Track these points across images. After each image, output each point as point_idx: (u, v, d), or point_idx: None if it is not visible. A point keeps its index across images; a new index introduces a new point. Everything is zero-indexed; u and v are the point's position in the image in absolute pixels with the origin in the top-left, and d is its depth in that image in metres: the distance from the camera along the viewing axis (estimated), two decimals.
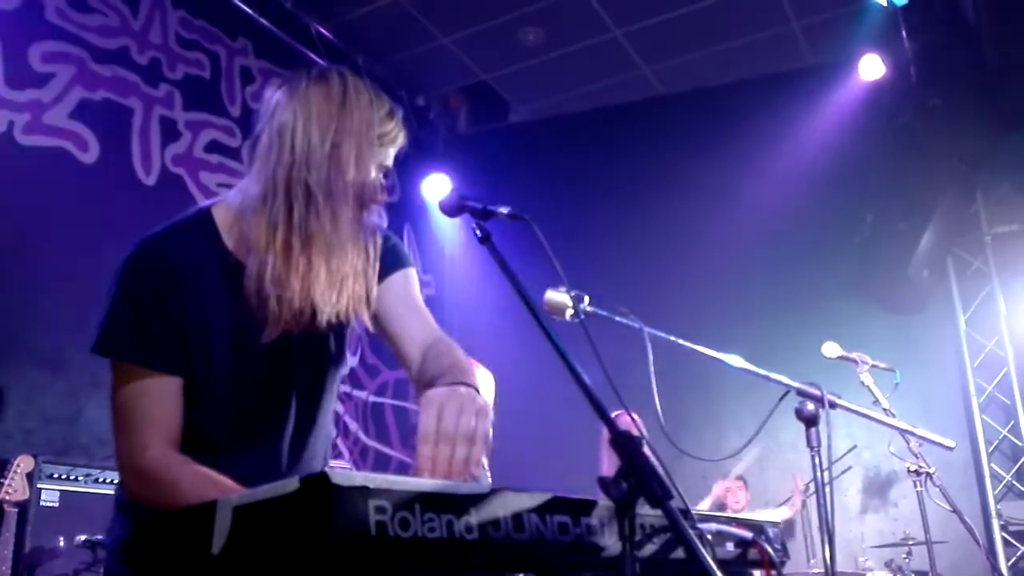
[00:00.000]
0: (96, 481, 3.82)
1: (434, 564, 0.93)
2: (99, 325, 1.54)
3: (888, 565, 5.53)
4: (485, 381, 4.11)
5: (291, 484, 0.88)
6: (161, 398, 1.51)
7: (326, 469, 0.86)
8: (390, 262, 1.78)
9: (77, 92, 4.79)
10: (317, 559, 0.85)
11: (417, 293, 1.80)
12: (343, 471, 0.87)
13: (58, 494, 3.70)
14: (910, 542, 5.39)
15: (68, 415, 4.42)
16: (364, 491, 0.87)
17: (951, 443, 2.22)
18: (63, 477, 3.73)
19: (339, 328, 1.71)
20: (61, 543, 3.54)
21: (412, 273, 1.82)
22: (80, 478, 3.79)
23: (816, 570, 5.52)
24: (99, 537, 3.45)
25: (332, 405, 1.80)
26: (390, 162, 1.71)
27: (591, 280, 2.35)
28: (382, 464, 6.41)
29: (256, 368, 1.61)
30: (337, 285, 1.58)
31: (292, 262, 1.54)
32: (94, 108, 4.86)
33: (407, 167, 7.35)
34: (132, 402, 1.51)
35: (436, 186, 7.35)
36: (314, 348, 1.69)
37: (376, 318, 1.74)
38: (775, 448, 6.31)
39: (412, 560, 0.90)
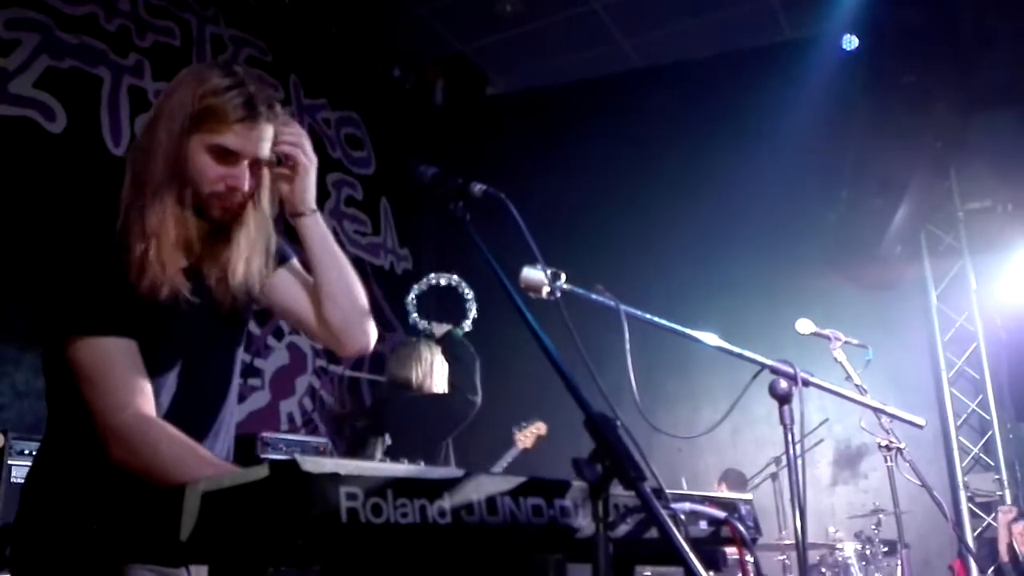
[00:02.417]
0: None
1: (407, 550, 0.92)
2: (46, 309, 1.59)
3: (858, 536, 5.63)
4: (440, 366, 4.12)
5: (261, 471, 0.87)
6: (128, 361, 1.55)
7: (296, 456, 0.85)
8: (277, 257, 1.89)
9: (43, 60, 4.67)
10: (287, 546, 0.84)
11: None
12: (313, 458, 0.86)
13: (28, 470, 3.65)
14: (880, 514, 5.50)
15: (39, 390, 4.34)
16: (335, 478, 0.86)
17: (921, 421, 2.25)
18: (34, 453, 3.68)
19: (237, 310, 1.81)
20: None
21: (296, 263, 1.95)
22: None
23: (787, 541, 5.61)
24: None
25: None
26: (240, 146, 1.65)
27: (566, 254, 2.35)
28: (359, 438, 6.40)
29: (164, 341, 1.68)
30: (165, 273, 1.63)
31: (136, 250, 1.59)
32: (61, 77, 4.74)
33: (382, 140, 7.27)
34: (100, 368, 1.53)
35: (411, 159, 7.27)
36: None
37: (279, 300, 1.90)
38: (748, 422, 6.38)
39: (384, 546, 0.90)
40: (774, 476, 6.04)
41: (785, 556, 5.61)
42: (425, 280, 4.74)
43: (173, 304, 1.63)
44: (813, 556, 5.48)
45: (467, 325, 4.11)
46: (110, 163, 4.91)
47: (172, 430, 1.51)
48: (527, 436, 5.42)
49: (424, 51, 7.38)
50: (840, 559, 5.55)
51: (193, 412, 1.70)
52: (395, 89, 7.49)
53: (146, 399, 1.55)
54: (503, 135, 7.47)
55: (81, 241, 1.60)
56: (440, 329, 4.02)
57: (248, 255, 1.76)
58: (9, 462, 3.59)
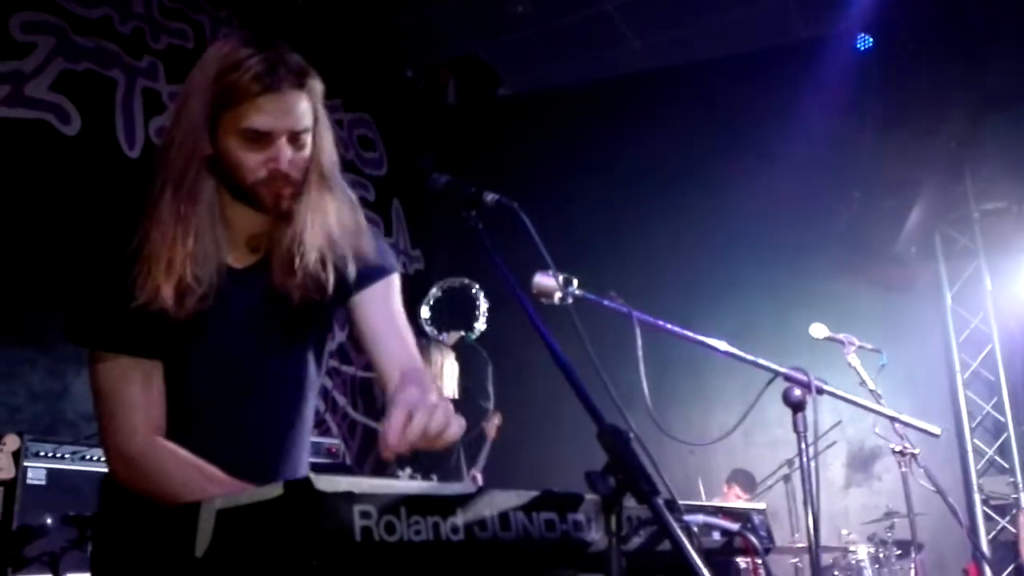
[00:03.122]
0: (83, 458, 3.79)
1: (420, 567, 0.93)
2: (70, 313, 1.53)
3: (871, 539, 5.61)
4: (451, 369, 4.11)
5: (275, 489, 0.87)
6: (143, 384, 1.50)
7: (310, 475, 0.85)
8: (376, 269, 1.70)
9: (58, 63, 4.70)
10: (302, 565, 0.85)
11: (398, 304, 1.75)
12: (328, 476, 0.86)
13: (45, 472, 3.68)
14: (894, 517, 5.48)
15: (54, 391, 4.39)
16: (349, 496, 0.87)
17: (936, 430, 2.23)
18: (50, 455, 3.71)
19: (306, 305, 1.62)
20: (48, 521, 3.53)
21: (395, 280, 1.75)
22: (67, 456, 3.76)
23: (800, 544, 5.58)
24: (87, 514, 3.44)
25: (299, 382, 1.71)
26: (270, 124, 1.46)
27: (575, 254, 2.35)
28: (370, 439, 6.42)
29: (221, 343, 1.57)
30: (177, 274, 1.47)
31: (159, 248, 1.47)
32: (76, 80, 4.77)
33: (395, 140, 7.28)
34: (114, 389, 1.50)
35: (424, 159, 7.30)
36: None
37: (357, 330, 1.71)
38: (761, 424, 6.35)
39: (398, 564, 0.90)
40: (786, 478, 6.02)
41: (798, 559, 5.59)
42: (438, 285, 4.74)
43: (205, 312, 1.50)
44: (826, 559, 5.46)
45: (479, 330, 4.08)
46: (125, 165, 4.94)
47: (180, 453, 1.46)
48: (492, 427, 5.49)
49: (436, 52, 7.39)
50: (853, 562, 5.53)
51: (251, 425, 1.60)
52: (407, 90, 7.49)
53: (154, 424, 1.49)
54: (515, 135, 7.46)
55: (103, 250, 1.52)
56: (453, 336, 4.00)
57: (322, 242, 1.57)
58: (25, 464, 3.62)
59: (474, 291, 4.28)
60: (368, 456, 6.39)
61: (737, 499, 6.18)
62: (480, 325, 4.06)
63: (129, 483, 1.50)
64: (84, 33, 4.86)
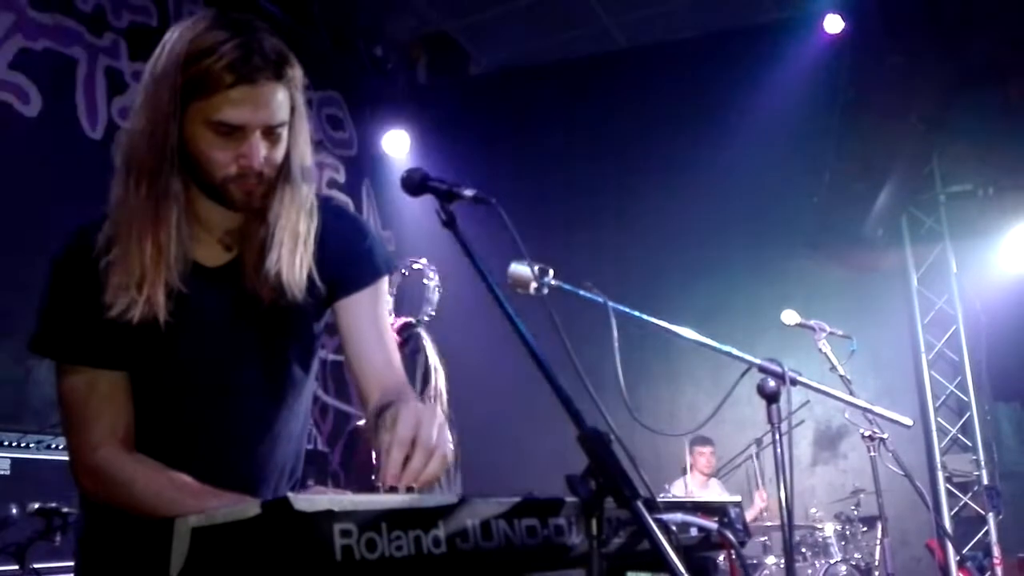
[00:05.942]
0: (48, 447, 3.72)
1: None
2: (35, 322, 1.47)
3: (838, 517, 5.71)
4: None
5: (252, 508, 0.85)
6: (107, 395, 1.45)
7: (289, 494, 0.83)
8: (363, 273, 1.62)
9: (17, 41, 4.55)
10: None
11: (384, 313, 1.65)
12: (307, 496, 0.84)
13: (9, 462, 3.61)
14: (860, 495, 5.58)
15: (17, 379, 4.30)
16: (328, 515, 0.85)
17: (908, 421, 2.26)
18: (14, 444, 3.64)
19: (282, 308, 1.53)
20: (14, 511, 3.47)
21: (383, 286, 1.65)
22: (32, 445, 3.68)
23: (767, 523, 5.67)
24: (53, 505, 3.38)
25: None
26: (244, 117, 1.36)
27: (548, 237, 2.33)
28: (342, 422, 6.39)
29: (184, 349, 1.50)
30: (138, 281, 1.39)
31: (128, 252, 1.39)
32: (35, 58, 4.63)
33: (365, 119, 7.19)
34: (78, 400, 1.45)
35: (395, 139, 7.23)
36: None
37: (340, 335, 1.62)
38: (729, 403, 6.40)
39: None
40: (757, 455, 6.10)
41: (766, 537, 5.68)
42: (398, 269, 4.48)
43: (176, 316, 1.42)
44: (794, 536, 5.56)
45: (427, 316, 3.83)
46: (87, 146, 4.82)
47: (147, 462, 1.41)
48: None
49: (407, 29, 7.29)
50: (820, 539, 5.64)
51: (227, 434, 1.53)
52: (378, 67, 7.39)
53: (120, 435, 1.44)
54: (486, 114, 7.40)
55: (69, 253, 1.45)
56: (397, 322, 3.72)
57: (292, 245, 1.48)
58: None
59: (427, 275, 3.95)
60: (338, 439, 6.36)
61: (701, 456, 6.19)
62: (430, 312, 3.78)
63: (97, 496, 1.45)
64: (43, 10, 4.72)
